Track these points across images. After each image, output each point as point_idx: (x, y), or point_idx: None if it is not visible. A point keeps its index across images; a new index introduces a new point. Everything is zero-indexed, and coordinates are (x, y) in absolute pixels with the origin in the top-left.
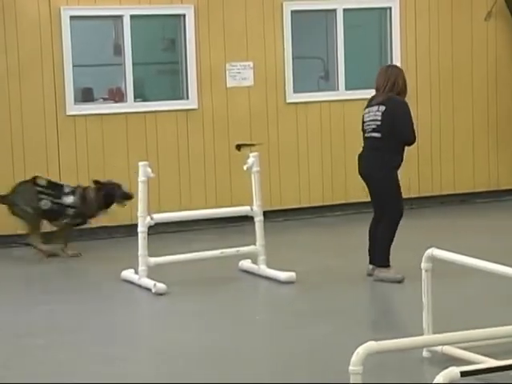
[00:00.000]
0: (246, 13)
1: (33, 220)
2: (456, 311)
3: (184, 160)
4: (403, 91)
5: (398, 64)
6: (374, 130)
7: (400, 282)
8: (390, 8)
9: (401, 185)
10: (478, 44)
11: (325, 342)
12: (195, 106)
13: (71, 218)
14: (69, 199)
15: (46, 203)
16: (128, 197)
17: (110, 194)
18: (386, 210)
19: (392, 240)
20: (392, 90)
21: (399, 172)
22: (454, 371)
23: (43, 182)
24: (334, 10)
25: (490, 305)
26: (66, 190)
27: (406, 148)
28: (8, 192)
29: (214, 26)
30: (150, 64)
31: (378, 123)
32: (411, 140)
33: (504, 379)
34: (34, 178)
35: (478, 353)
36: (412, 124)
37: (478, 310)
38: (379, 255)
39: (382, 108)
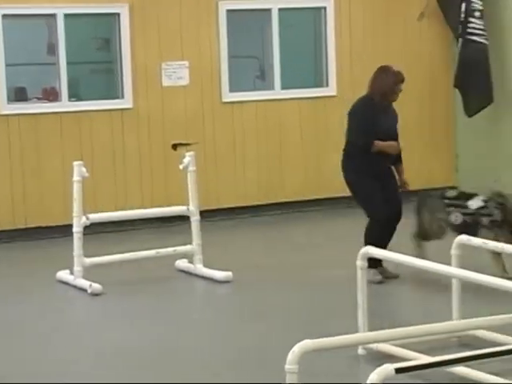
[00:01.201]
0: (180, 12)
1: (434, 235)
2: (391, 309)
3: (119, 159)
4: (377, 92)
5: (333, 64)
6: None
7: (379, 283)
8: (325, 8)
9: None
10: (412, 44)
11: (262, 340)
12: (130, 106)
13: (490, 229)
14: (476, 205)
15: (457, 217)
16: None
17: None
18: (366, 214)
19: (372, 243)
20: (368, 91)
21: None
22: (389, 368)
23: (453, 194)
24: (269, 10)
25: (425, 302)
26: (478, 199)
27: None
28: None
29: (148, 24)
30: (84, 63)
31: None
32: (355, 142)
33: (438, 375)
34: (442, 191)
35: (412, 350)
36: (358, 126)
37: (412, 307)
38: None
39: (347, 111)
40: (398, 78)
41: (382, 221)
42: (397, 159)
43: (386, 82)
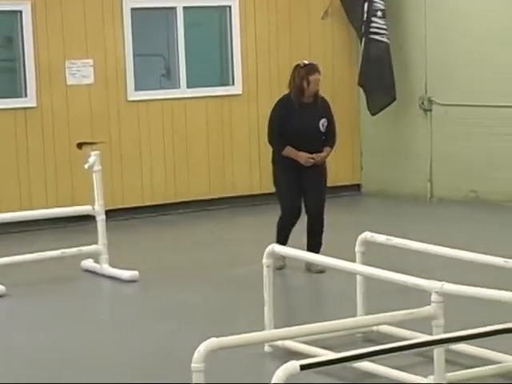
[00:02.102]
0: (84, 10)
1: None
2: (298, 306)
3: (23, 159)
4: (293, 89)
5: (238, 62)
6: None
7: (279, 269)
8: (230, 7)
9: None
10: (316, 42)
11: (169, 340)
12: (34, 104)
13: None
14: None
15: None
16: None
17: None
18: None
19: (278, 237)
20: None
21: None
22: (294, 365)
23: None
24: (174, 8)
25: (331, 299)
26: None
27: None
28: None
29: (51, 23)
30: None
31: None
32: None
33: (343, 371)
34: None
35: (319, 346)
36: (271, 126)
37: (318, 304)
38: None
39: None
40: (308, 69)
41: (283, 215)
42: (325, 143)
43: (297, 76)
